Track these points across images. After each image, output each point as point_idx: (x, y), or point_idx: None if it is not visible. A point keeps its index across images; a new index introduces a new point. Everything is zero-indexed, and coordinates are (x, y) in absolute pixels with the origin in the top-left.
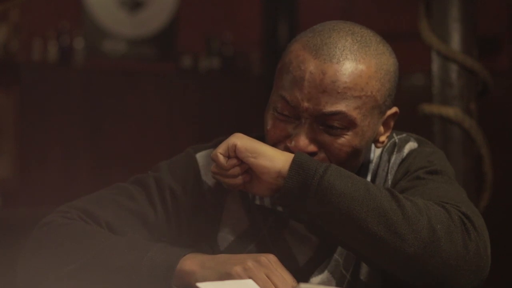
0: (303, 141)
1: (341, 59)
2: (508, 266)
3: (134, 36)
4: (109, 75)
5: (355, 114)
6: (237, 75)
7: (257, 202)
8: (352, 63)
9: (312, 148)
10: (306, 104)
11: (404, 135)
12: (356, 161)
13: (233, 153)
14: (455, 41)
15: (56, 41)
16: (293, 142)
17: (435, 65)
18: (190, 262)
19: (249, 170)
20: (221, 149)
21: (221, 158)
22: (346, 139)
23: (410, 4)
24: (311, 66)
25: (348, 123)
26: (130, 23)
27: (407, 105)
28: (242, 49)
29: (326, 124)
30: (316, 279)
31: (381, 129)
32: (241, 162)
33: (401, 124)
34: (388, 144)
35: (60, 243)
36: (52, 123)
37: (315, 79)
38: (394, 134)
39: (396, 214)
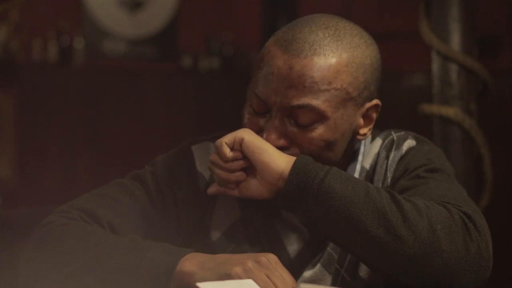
0: (273, 135)
1: (309, 54)
2: (509, 266)
3: (134, 36)
4: (109, 75)
5: (323, 107)
6: (237, 75)
7: None
8: (321, 57)
9: (282, 142)
10: (274, 98)
11: (402, 132)
12: (331, 154)
13: (238, 146)
14: (455, 41)
15: (56, 41)
16: (264, 136)
17: (435, 65)
18: (190, 263)
19: (246, 169)
20: (227, 139)
21: (225, 148)
22: (316, 133)
23: (410, 4)
24: (280, 62)
25: (318, 116)
26: (130, 23)
27: (407, 105)
28: (242, 49)
29: (296, 117)
30: (308, 272)
31: (361, 121)
32: (243, 157)
33: (401, 124)
34: (386, 141)
35: (61, 244)
36: (52, 123)
37: (282, 74)
38: (392, 132)
39: (396, 216)
